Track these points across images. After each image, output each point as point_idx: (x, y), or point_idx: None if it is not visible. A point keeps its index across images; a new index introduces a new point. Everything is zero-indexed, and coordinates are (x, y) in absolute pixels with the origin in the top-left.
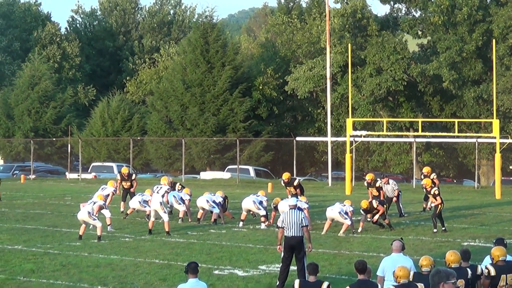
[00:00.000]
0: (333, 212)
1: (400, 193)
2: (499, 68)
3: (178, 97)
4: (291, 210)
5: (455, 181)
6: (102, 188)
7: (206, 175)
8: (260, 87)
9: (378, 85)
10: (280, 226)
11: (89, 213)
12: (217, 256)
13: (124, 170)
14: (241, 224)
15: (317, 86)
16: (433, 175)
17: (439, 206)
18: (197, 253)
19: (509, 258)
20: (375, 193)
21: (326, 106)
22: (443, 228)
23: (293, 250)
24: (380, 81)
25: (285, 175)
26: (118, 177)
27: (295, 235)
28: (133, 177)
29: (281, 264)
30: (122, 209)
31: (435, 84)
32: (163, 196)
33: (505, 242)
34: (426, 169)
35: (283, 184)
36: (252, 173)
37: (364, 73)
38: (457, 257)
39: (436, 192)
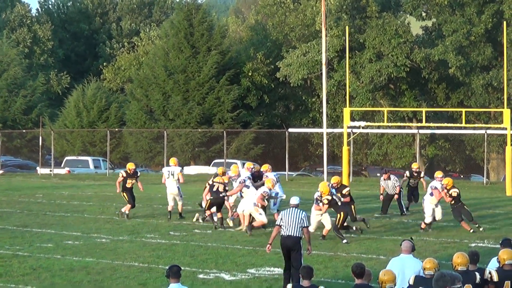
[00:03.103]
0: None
1: (401, 190)
2: (510, 53)
3: (159, 85)
4: (292, 208)
5: (462, 176)
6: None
7: (190, 170)
8: (250, 74)
9: (378, 71)
10: (278, 224)
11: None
12: (202, 258)
13: (131, 165)
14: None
15: (311, 72)
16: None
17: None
18: (180, 255)
19: None
20: (346, 199)
21: (322, 94)
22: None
23: (289, 250)
24: (380, 67)
25: (334, 179)
26: (122, 173)
27: (292, 234)
28: (138, 173)
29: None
30: (127, 212)
31: (441, 70)
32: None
33: (511, 243)
34: (446, 181)
35: (408, 175)
36: (240, 168)
37: (363, 59)
38: (464, 259)
39: (455, 194)
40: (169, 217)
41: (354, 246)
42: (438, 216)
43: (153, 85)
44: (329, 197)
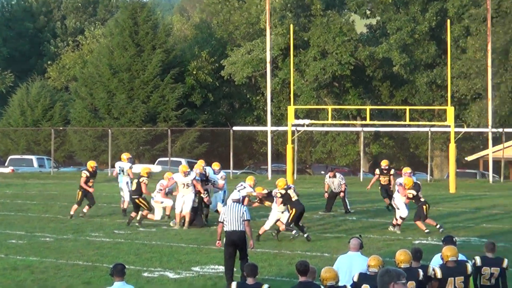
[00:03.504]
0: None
1: (346, 187)
2: (454, 51)
3: (104, 83)
4: (233, 203)
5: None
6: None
7: (135, 168)
8: (194, 72)
9: (322, 69)
10: (220, 220)
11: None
12: (147, 257)
13: (92, 163)
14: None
15: (256, 70)
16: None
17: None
18: (125, 253)
19: (461, 257)
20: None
21: (266, 92)
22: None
23: (236, 246)
24: (324, 65)
25: (384, 162)
26: (86, 173)
27: (236, 229)
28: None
29: (224, 261)
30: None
31: (385, 68)
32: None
33: (454, 240)
34: (405, 180)
35: (378, 173)
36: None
37: (308, 57)
38: (407, 256)
39: (410, 196)
40: (124, 214)
41: (298, 244)
42: (404, 213)
43: (98, 83)
44: (283, 191)
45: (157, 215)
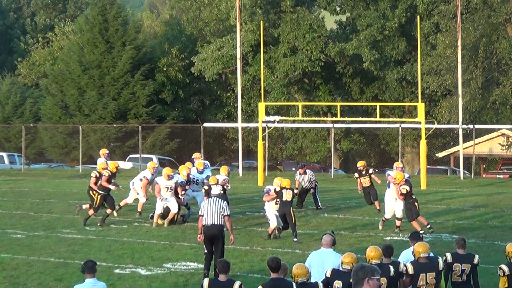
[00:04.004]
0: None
1: (317, 184)
2: (424, 47)
3: (74, 80)
4: (213, 198)
5: (377, 170)
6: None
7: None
8: (164, 69)
9: (293, 66)
10: (200, 214)
11: None
12: (118, 253)
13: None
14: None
15: (226, 67)
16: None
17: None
18: (96, 250)
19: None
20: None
21: (236, 89)
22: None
23: (214, 239)
24: (295, 62)
25: (361, 163)
26: (96, 174)
27: (215, 223)
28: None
29: (205, 254)
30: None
31: (355, 64)
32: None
33: (421, 236)
34: (396, 174)
35: (357, 176)
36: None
37: (278, 53)
38: (378, 253)
39: (404, 192)
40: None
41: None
42: (398, 213)
43: (68, 80)
44: (278, 188)
45: (130, 199)
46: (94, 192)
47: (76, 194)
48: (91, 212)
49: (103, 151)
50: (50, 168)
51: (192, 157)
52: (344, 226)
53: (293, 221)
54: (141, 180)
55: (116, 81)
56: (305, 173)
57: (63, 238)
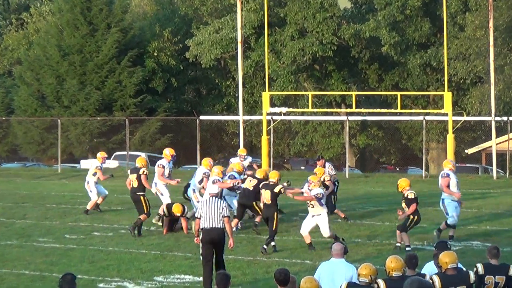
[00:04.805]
0: None
1: (337, 181)
2: (451, 29)
3: (52, 67)
4: (211, 198)
5: (397, 169)
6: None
7: (88, 164)
8: (155, 54)
9: (301, 50)
10: (197, 216)
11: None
12: (102, 265)
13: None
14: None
15: (225, 52)
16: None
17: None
18: (77, 261)
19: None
20: None
21: (237, 77)
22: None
23: (213, 245)
24: (303, 46)
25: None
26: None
27: (215, 226)
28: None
29: (202, 264)
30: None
31: (372, 48)
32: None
33: (448, 246)
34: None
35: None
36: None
37: (284, 36)
38: (399, 263)
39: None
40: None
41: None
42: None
43: (45, 67)
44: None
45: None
46: (140, 194)
47: (54, 197)
48: (143, 217)
49: (102, 155)
50: (25, 167)
51: (238, 152)
52: (360, 233)
53: (274, 228)
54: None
55: (100, 68)
56: (323, 166)
57: (39, 248)
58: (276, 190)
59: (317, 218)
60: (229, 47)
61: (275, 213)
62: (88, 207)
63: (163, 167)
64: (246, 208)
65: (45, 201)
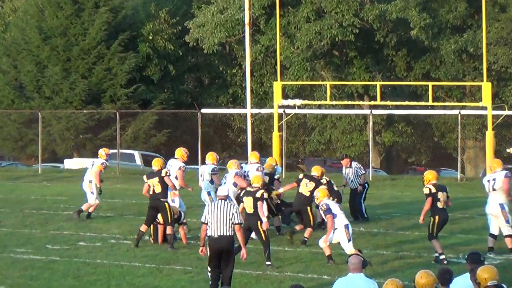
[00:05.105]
0: None
1: (367, 184)
2: (490, 9)
3: (32, 52)
4: (219, 201)
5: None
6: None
7: (73, 163)
8: (150, 38)
9: (318, 33)
10: (203, 221)
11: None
12: (89, 279)
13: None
14: None
15: (231, 35)
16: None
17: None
18: (60, 275)
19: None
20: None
21: (244, 64)
22: None
23: (222, 253)
24: (321, 28)
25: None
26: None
27: (224, 234)
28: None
29: (211, 278)
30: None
31: (400, 32)
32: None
33: (482, 259)
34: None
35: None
36: (138, 161)
37: (299, 17)
38: (430, 279)
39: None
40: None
41: (289, 262)
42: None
43: (24, 52)
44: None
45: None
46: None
47: (34, 201)
48: (170, 229)
49: (105, 151)
50: (1, 167)
51: (250, 158)
52: (386, 243)
53: (264, 239)
54: (176, 178)
55: (86, 54)
56: (349, 166)
57: (17, 260)
58: (258, 195)
59: (336, 233)
60: (235, 29)
61: (259, 222)
62: (90, 210)
63: (185, 169)
64: (300, 214)
65: (24, 206)
